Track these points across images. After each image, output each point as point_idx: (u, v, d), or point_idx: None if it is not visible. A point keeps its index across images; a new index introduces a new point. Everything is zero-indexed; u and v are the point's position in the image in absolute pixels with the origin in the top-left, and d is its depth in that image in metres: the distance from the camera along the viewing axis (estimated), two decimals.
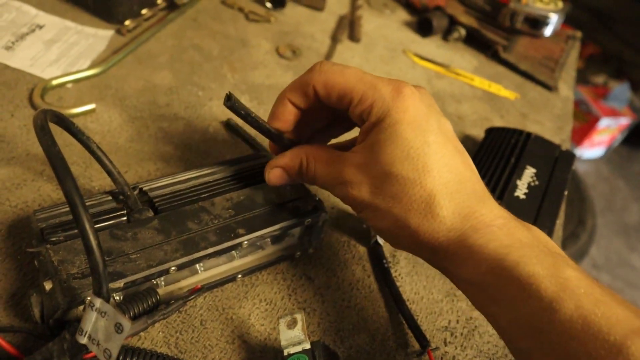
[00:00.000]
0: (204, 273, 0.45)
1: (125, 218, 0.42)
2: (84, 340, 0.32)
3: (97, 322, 0.32)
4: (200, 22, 0.78)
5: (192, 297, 0.41)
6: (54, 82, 0.59)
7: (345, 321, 0.47)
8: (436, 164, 0.37)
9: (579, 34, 1.12)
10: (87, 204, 0.42)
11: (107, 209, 0.43)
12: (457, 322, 0.50)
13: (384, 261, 0.51)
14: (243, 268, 0.47)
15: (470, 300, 0.38)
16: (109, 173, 0.44)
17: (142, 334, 0.41)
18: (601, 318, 0.30)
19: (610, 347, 0.29)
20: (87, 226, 0.31)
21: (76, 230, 0.38)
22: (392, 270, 0.52)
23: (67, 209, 0.40)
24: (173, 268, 0.40)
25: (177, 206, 0.44)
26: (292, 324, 0.39)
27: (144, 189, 0.45)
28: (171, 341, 0.41)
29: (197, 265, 0.44)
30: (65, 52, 0.64)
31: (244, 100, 0.67)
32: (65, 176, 0.31)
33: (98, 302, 0.32)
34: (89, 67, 0.63)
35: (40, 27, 0.67)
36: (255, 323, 0.44)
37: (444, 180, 0.37)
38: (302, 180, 0.45)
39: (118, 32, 0.70)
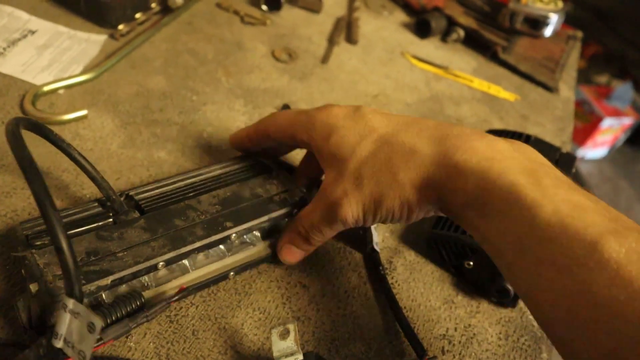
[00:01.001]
0: (195, 272, 0.44)
1: (111, 220, 0.42)
2: (59, 344, 0.32)
3: (71, 324, 0.31)
4: (195, 25, 0.78)
5: (177, 297, 0.41)
6: (46, 88, 0.59)
7: (341, 330, 0.46)
8: (387, 127, 0.42)
9: (579, 34, 1.11)
10: (73, 211, 0.42)
11: (93, 213, 0.43)
12: (455, 329, 0.49)
13: (381, 268, 0.50)
14: (235, 265, 0.46)
15: (465, 228, 0.39)
16: (93, 179, 0.44)
17: (132, 345, 0.40)
18: (577, 220, 0.31)
19: (586, 246, 0.30)
20: (56, 226, 0.30)
21: None
22: (389, 277, 0.51)
23: None
24: (161, 263, 0.40)
25: (163, 206, 0.44)
26: (284, 335, 0.38)
27: (130, 193, 0.45)
28: (162, 352, 0.40)
29: (187, 263, 0.43)
30: (58, 58, 0.64)
31: (239, 104, 0.66)
32: (33, 177, 0.31)
33: (70, 302, 0.31)
34: (82, 73, 0.62)
35: (33, 32, 0.66)
36: (248, 333, 0.44)
37: (403, 130, 0.41)
38: (314, 242, 0.46)
39: (111, 36, 0.70)
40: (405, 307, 0.49)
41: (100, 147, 0.55)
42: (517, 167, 0.35)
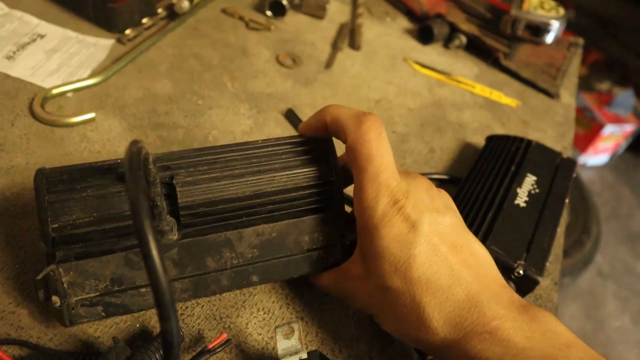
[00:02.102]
0: None
1: None
2: None
3: None
4: (201, 31, 0.79)
5: (220, 349, 0.41)
6: (54, 92, 0.60)
7: (344, 330, 0.46)
8: (423, 275, 0.38)
9: (581, 40, 1.12)
10: (106, 199, 0.37)
11: (129, 224, 0.38)
12: None
13: None
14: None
15: None
16: (149, 183, 0.37)
17: (139, 343, 0.41)
18: None
19: None
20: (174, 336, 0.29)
21: (87, 249, 0.37)
22: None
23: (85, 195, 0.37)
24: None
25: (202, 231, 0.41)
26: (289, 334, 0.39)
27: (176, 187, 0.39)
28: None
29: None
30: (66, 62, 0.65)
31: (244, 108, 0.67)
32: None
33: None
34: (90, 76, 0.63)
35: (42, 36, 0.67)
36: (252, 332, 0.44)
37: (431, 290, 0.38)
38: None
39: (119, 41, 0.71)
40: None
41: (108, 149, 0.56)
42: None
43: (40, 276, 0.36)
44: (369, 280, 0.40)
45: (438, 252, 0.38)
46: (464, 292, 0.38)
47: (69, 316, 0.36)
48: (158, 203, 0.37)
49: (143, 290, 0.38)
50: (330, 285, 0.45)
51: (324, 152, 0.44)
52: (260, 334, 0.44)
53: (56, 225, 0.36)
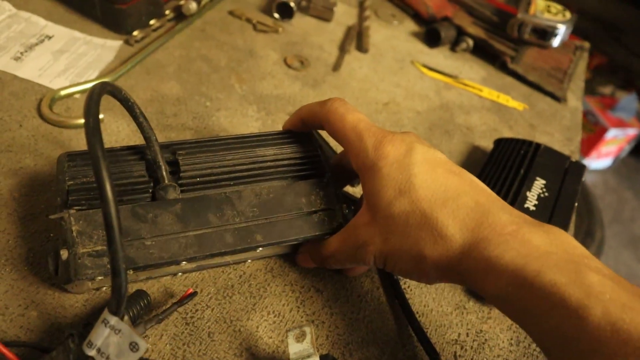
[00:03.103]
0: (214, 260, 0.46)
1: (149, 195, 0.42)
2: (91, 352, 0.32)
3: (109, 337, 0.32)
4: (208, 32, 0.79)
5: (186, 301, 0.42)
6: (62, 93, 0.59)
7: (354, 334, 0.46)
8: (428, 190, 0.39)
9: (587, 44, 1.11)
10: (121, 166, 0.42)
11: (135, 181, 0.42)
12: (467, 335, 0.49)
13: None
14: (253, 257, 0.48)
15: (502, 313, 0.37)
16: (147, 139, 0.44)
17: (149, 346, 0.41)
18: (630, 324, 0.30)
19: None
20: (118, 252, 0.31)
21: (97, 199, 0.40)
22: (401, 282, 0.51)
23: None
24: (183, 262, 0.41)
25: (203, 188, 0.44)
26: (300, 337, 0.39)
27: (178, 158, 0.44)
28: (179, 354, 0.41)
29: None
30: (74, 63, 0.65)
31: (252, 110, 0.67)
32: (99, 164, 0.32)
33: (113, 320, 0.32)
34: (97, 78, 0.63)
35: (49, 37, 0.67)
36: (263, 335, 0.44)
37: (440, 202, 0.38)
38: (330, 267, 0.47)
39: (126, 42, 0.70)
40: (417, 312, 0.49)
41: None
42: (555, 264, 0.33)
43: (53, 216, 0.39)
44: (377, 219, 0.41)
45: (437, 171, 0.40)
46: (473, 200, 0.38)
47: (74, 267, 0.37)
48: (160, 163, 0.42)
49: (148, 243, 0.40)
50: (339, 247, 0.44)
51: (307, 136, 0.50)
52: (271, 337, 0.44)
53: (72, 182, 0.40)
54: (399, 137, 0.42)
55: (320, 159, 0.48)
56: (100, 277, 0.37)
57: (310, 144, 0.49)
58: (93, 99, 0.35)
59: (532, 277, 0.33)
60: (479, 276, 0.36)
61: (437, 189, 0.39)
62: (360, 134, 0.42)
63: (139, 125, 0.44)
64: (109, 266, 0.37)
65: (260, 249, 0.44)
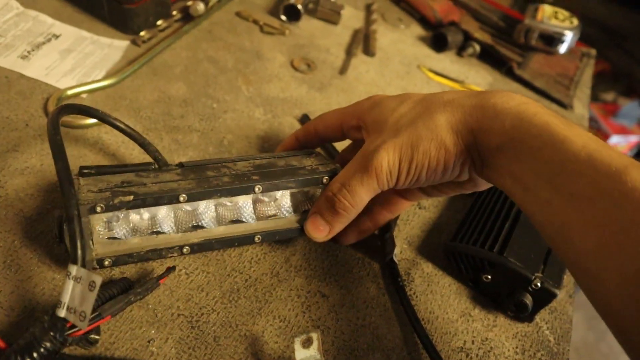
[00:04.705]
0: (220, 228, 0.46)
1: (152, 167, 0.47)
2: (62, 312, 0.33)
3: (74, 289, 0.33)
4: (215, 34, 0.78)
5: (165, 275, 0.43)
6: (69, 92, 0.59)
7: (360, 340, 0.46)
8: (425, 97, 0.45)
9: (593, 51, 1.11)
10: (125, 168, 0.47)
11: (140, 163, 0.48)
12: (473, 342, 0.49)
13: (399, 279, 0.51)
14: (261, 230, 0.47)
15: (498, 177, 0.41)
16: (141, 144, 0.48)
17: (154, 349, 0.40)
18: (603, 154, 0.34)
19: (612, 175, 0.32)
20: (70, 197, 0.35)
21: (105, 170, 0.45)
22: (407, 289, 0.51)
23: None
24: (182, 196, 0.41)
25: (202, 164, 0.47)
26: (307, 343, 0.38)
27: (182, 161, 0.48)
28: (184, 358, 0.41)
29: (212, 215, 0.45)
30: (81, 62, 0.64)
31: (259, 113, 0.67)
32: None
33: (74, 269, 0.33)
34: (104, 78, 0.63)
35: (56, 36, 0.67)
36: (269, 340, 0.44)
37: (438, 94, 0.44)
38: (340, 209, 0.45)
39: (133, 42, 0.70)
40: (422, 319, 0.49)
41: (123, 152, 0.55)
42: (549, 112, 0.38)
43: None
44: (384, 129, 0.44)
45: (427, 94, 0.46)
46: (470, 92, 0.44)
47: (79, 198, 0.38)
48: (159, 157, 0.47)
49: (149, 184, 0.42)
50: (350, 168, 0.44)
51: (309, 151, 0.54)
52: (277, 342, 0.44)
53: (85, 171, 0.44)
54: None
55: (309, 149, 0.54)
56: (100, 206, 0.38)
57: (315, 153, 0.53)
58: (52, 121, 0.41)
59: (531, 117, 0.38)
60: (486, 125, 0.40)
61: (434, 96, 0.45)
62: (346, 107, 0.51)
63: (122, 131, 0.47)
64: (109, 195, 0.39)
65: (259, 187, 0.44)
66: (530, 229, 0.54)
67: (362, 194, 0.43)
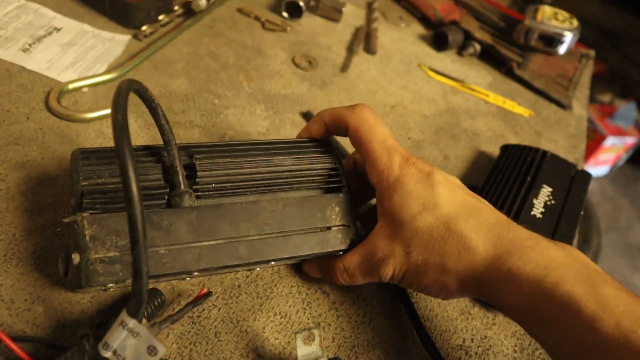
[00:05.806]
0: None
1: (164, 202, 0.41)
2: (107, 354, 0.32)
3: (126, 340, 0.32)
4: (217, 29, 0.78)
5: (200, 301, 0.41)
6: (71, 86, 0.59)
7: (360, 337, 0.46)
8: (451, 207, 0.41)
9: (592, 52, 1.12)
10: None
11: (151, 185, 0.40)
12: (472, 340, 0.49)
13: None
14: (265, 266, 0.47)
15: (518, 323, 0.39)
16: (166, 143, 0.42)
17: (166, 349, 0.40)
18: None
19: None
20: (142, 251, 0.30)
21: (114, 204, 0.39)
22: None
23: (114, 167, 0.40)
24: (196, 273, 0.40)
25: (219, 195, 0.43)
26: (309, 339, 0.39)
27: (194, 162, 0.42)
28: (185, 353, 0.41)
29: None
30: (82, 56, 0.64)
31: (260, 109, 0.67)
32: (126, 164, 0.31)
33: (132, 323, 0.32)
34: (106, 72, 0.63)
35: (58, 30, 0.67)
36: (269, 336, 0.44)
37: (463, 217, 0.40)
38: (340, 283, 0.46)
39: (135, 37, 0.70)
40: (422, 317, 0.49)
41: None
42: (572, 276, 0.35)
43: (67, 220, 0.37)
44: (399, 234, 0.42)
45: (457, 192, 0.42)
46: (493, 217, 0.41)
47: (86, 273, 0.35)
48: (177, 168, 0.41)
49: (162, 252, 0.38)
50: (356, 262, 0.44)
51: (326, 146, 0.49)
52: (277, 339, 0.44)
53: (86, 183, 0.38)
54: (422, 160, 0.44)
55: (339, 172, 0.48)
56: (111, 285, 0.36)
57: (330, 155, 0.48)
58: (121, 95, 0.34)
59: (551, 288, 0.35)
60: (500, 287, 0.38)
61: (460, 206, 0.41)
62: (389, 151, 0.43)
63: (160, 128, 0.42)
64: (121, 274, 0.36)
65: (273, 262, 0.43)
66: (529, 228, 0.54)
67: (361, 281, 0.45)
